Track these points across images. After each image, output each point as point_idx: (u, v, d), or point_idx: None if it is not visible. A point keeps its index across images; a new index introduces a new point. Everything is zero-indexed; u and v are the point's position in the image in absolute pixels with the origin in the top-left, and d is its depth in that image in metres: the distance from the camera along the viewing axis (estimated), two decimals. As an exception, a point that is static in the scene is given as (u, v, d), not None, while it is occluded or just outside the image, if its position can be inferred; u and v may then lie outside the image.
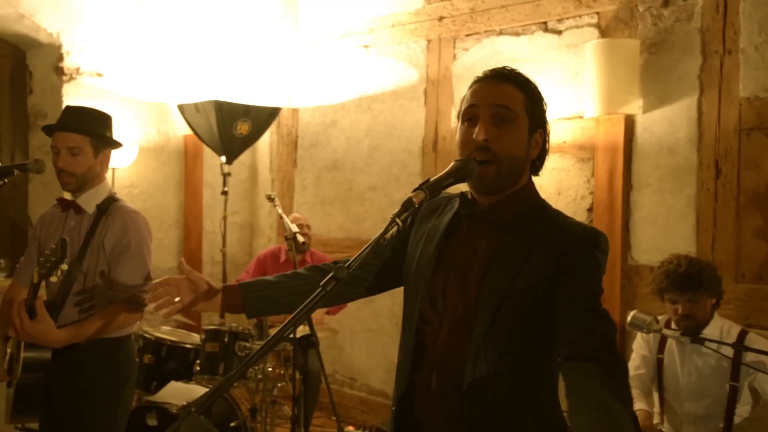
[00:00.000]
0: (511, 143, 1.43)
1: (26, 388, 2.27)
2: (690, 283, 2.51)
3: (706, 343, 2.21)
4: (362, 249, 1.25)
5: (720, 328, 2.58)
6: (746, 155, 3.17)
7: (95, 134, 2.43)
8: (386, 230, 1.28)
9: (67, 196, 2.51)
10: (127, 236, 2.39)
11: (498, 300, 1.41)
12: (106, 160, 2.50)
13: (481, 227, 1.49)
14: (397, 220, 1.28)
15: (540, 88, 1.51)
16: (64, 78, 4.47)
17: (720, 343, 2.32)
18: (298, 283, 1.65)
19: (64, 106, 2.59)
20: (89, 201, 2.45)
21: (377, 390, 4.70)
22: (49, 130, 2.45)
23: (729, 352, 2.42)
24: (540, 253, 1.41)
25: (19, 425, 3.00)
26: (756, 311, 3.10)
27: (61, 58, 4.45)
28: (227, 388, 1.22)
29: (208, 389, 3.46)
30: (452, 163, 1.42)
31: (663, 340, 2.68)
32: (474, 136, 1.43)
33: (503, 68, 1.49)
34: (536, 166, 1.53)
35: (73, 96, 4.46)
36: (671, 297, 2.56)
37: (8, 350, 2.35)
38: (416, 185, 1.35)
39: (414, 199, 1.29)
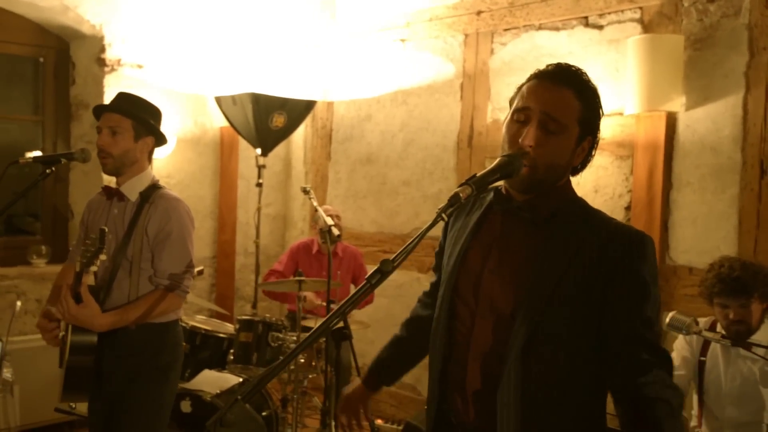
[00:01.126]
0: (555, 153, 1.41)
1: (75, 370, 2.33)
2: (744, 288, 2.45)
3: (753, 349, 2.16)
4: (406, 244, 1.25)
5: None
6: (793, 155, 3.09)
7: (137, 118, 2.47)
8: (432, 225, 1.28)
9: (111, 183, 2.57)
10: (169, 224, 2.43)
11: (543, 303, 1.38)
12: (146, 148, 2.53)
13: (515, 223, 1.47)
14: (443, 215, 1.27)
15: (599, 99, 1.47)
16: (106, 69, 4.55)
17: (763, 347, 2.26)
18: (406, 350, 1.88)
19: (106, 96, 2.63)
20: (132, 189, 2.50)
21: (407, 384, 4.71)
22: (98, 111, 2.51)
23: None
24: (586, 255, 1.38)
25: (71, 405, 3.10)
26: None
27: (103, 49, 4.53)
28: (272, 378, 1.23)
29: (241, 378, 3.54)
30: (498, 159, 1.40)
31: (706, 343, 2.62)
32: (521, 140, 1.41)
33: (567, 68, 1.44)
34: (577, 169, 1.51)
35: (114, 87, 4.52)
36: (722, 302, 2.50)
37: (61, 333, 2.42)
38: (450, 180, 1.35)
39: (461, 194, 1.28)
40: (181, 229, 2.46)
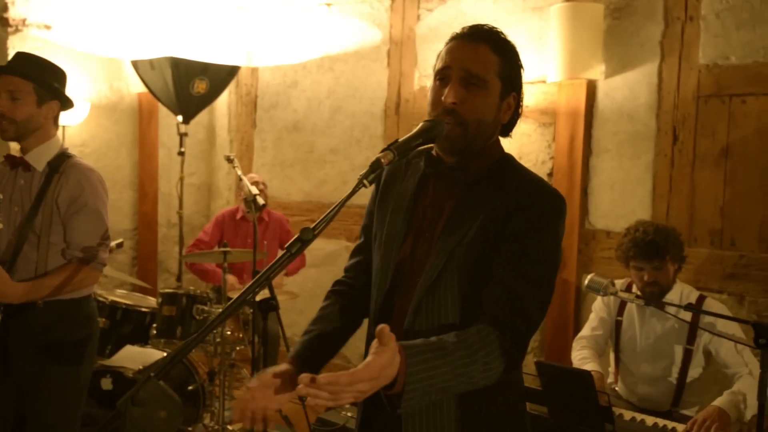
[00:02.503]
0: (480, 107, 1.40)
1: None
2: (657, 250, 2.55)
3: (666, 308, 2.27)
4: (328, 212, 1.22)
5: (680, 293, 2.65)
6: (703, 122, 3.23)
7: (40, 81, 2.30)
8: (353, 192, 1.25)
9: (15, 152, 2.39)
10: (83, 195, 2.30)
11: (446, 255, 1.38)
12: (51, 113, 2.37)
13: (448, 185, 1.47)
14: (365, 181, 1.25)
15: (518, 55, 1.46)
16: (9, 30, 4.23)
17: (675, 305, 2.38)
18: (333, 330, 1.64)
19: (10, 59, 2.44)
20: (39, 158, 2.34)
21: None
22: None
23: (687, 316, 2.49)
24: (496, 207, 1.38)
25: None
26: (706, 275, 3.20)
27: (5, 7, 4.21)
28: (187, 353, 1.19)
29: (165, 353, 3.45)
30: (421, 123, 1.38)
31: (623, 304, 2.74)
32: (443, 98, 1.40)
33: (482, 26, 1.44)
34: (507, 128, 1.51)
35: (18, 49, 4.20)
36: (637, 264, 2.60)
37: None
38: (378, 148, 1.32)
39: (382, 160, 1.26)
40: (96, 199, 2.33)
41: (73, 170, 2.33)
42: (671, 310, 2.51)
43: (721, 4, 3.16)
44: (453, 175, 1.45)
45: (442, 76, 1.42)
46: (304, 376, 1.07)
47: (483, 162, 1.45)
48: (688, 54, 3.25)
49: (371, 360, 1.10)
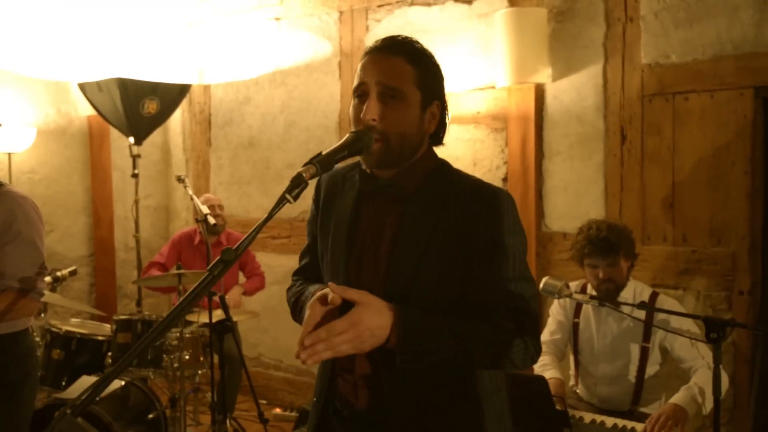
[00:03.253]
0: (400, 120, 1.38)
1: None
2: (610, 247, 2.57)
3: (621, 307, 2.27)
4: (251, 230, 1.19)
5: (634, 290, 2.66)
6: (649, 120, 3.27)
7: None
8: (276, 208, 1.22)
9: None
10: (16, 223, 2.24)
11: (408, 278, 1.37)
12: None
13: (386, 201, 1.45)
14: (288, 196, 1.22)
15: (436, 63, 1.44)
16: (-53, 56, 4.13)
17: (628, 305, 2.39)
18: None
19: None
20: None
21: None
22: None
23: (641, 314, 2.50)
24: (446, 223, 1.37)
25: None
26: (661, 271, 3.23)
27: (-59, 34, 4.10)
28: (103, 390, 1.14)
29: (123, 382, 3.36)
30: (347, 135, 1.36)
31: (579, 305, 2.74)
32: (362, 115, 1.38)
33: (394, 38, 1.42)
34: (438, 137, 1.49)
35: (-42, 76, 4.12)
36: (591, 262, 2.62)
37: None
38: None
39: (303, 174, 1.23)
40: (30, 228, 2.27)
41: (5, 198, 2.26)
42: (625, 309, 2.52)
43: (659, 4, 3.21)
44: (390, 192, 1.44)
45: (360, 92, 1.41)
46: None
47: (417, 174, 1.44)
48: (631, 54, 3.29)
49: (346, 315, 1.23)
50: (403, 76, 1.38)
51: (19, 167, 4.44)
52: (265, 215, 1.23)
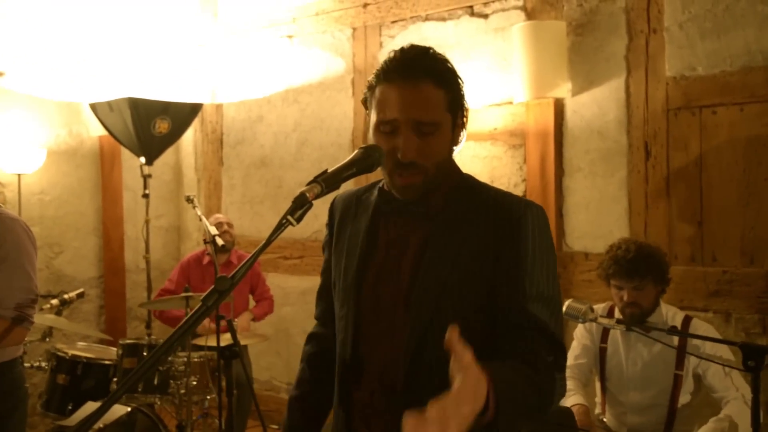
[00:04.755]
0: (438, 151, 1.30)
1: None
2: (637, 270, 2.42)
3: (651, 332, 2.12)
4: (248, 258, 1.08)
5: (665, 314, 2.51)
6: (674, 135, 3.13)
7: None
8: (276, 232, 1.11)
9: None
10: (4, 247, 2.13)
11: (434, 298, 1.27)
12: None
13: (411, 219, 1.35)
14: (290, 218, 1.11)
15: (457, 74, 1.33)
16: (-41, 77, 4.10)
17: (658, 329, 2.24)
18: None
19: None
20: None
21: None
22: None
23: (673, 340, 2.35)
24: (473, 239, 1.29)
25: None
26: (690, 293, 3.07)
27: (-47, 55, 4.08)
28: (92, 424, 1.03)
29: (129, 408, 3.25)
30: (355, 152, 1.25)
31: (606, 329, 2.59)
32: (400, 156, 1.27)
33: (415, 58, 1.28)
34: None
35: (-32, 97, 4.09)
36: (617, 283, 2.47)
37: None
38: (347, 180, 1.19)
39: (307, 194, 1.12)
40: (19, 252, 2.16)
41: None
42: (655, 334, 2.37)
43: (684, 15, 3.09)
44: (415, 210, 1.35)
45: (389, 128, 1.28)
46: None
47: (443, 190, 1.35)
48: (655, 67, 3.17)
49: (460, 381, 0.97)
50: (436, 107, 1.28)
51: (30, 188, 4.39)
52: (279, 235, 1.12)
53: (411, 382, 1.28)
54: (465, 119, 1.37)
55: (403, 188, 1.31)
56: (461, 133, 1.39)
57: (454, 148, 1.39)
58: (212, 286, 1.06)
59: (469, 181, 1.40)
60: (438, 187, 1.34)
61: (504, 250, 1.28)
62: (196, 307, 1.07)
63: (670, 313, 2.51)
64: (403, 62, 1.28)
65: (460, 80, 1.34)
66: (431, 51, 1.32)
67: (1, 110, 4.19)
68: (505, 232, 1.28)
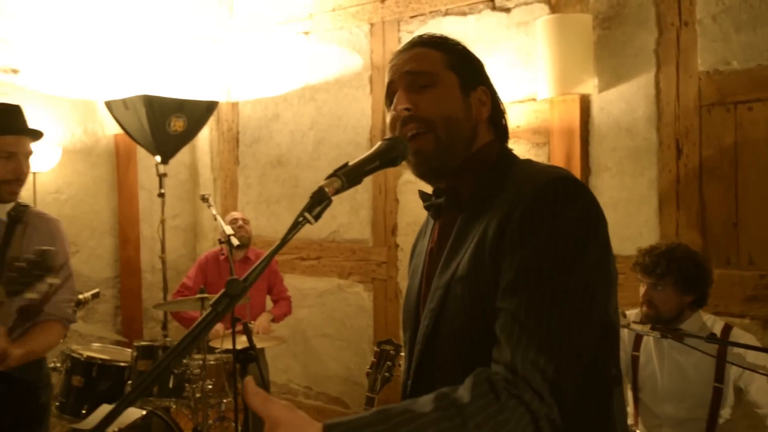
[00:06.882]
0: (438, 102, 1.16)
1: None
2: (656, 266, 2.28)
3: (686, 340, 2.00)
4: (259, 261, 0.98)
5: (701, 324, 2.36)
6: (708, 133, 2.99)
7: (37, 135, 2.22)
8: (293, 230, 1.01)
9: None
10: (55, 247, 2.13)
11: (439, 298, 1.14)
12: None
13: (449, 218, 1.20)
14: (307, 215, 1.00)
15: (468, 50, 1.25)
16: (-26, 75, 4.07)
17: (695, 336, 2.11)
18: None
19: None
20: (2, 208, 2.16)
21: (334, 398, 4.44)
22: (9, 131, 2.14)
23: (711, 349, 2.21)
24: (486, 232, 1.08)
25: None
26: (725, 298, 2.93)
27: (-31, 54, 4.05)
28: (106, 428, 0.94)
29: (143, 411, 3.18)
30: (379, 143, 1.14)
31: (639, 337, 2.45)
32: (392, 107, 1.19)
33: (417, 36, 1.25)
34: (499, 128, 1.25)
35: (-16, 95, 4.06)
36: (639, 277, 2.36)
37: None
38: (365, 179, 1.09)
39: (326, 189, 1.01)
40: (67, 252, 2.21)
41: (40, 221, 2.19)
42: (693, 342, 2.23)
43: (718, 6, 2.96)
44: (448, 203, 1.20)
45: (390, 95, 1.22)
46: None
47: (474, 173, 1.18)
48: (686, 61, 3.03)
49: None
50: (429, 59, 1.19)
51: (45, 187, 4.35)
52: (295, 235, 1.02)
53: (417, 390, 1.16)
54: (496, 99, 1.25)
55: (416, 155, 1.15)
56: (494, 116, 1.23)
57: (500, 134, 1.24)
58: (222, 290, 0.97)
59: (506, 159, 1.20)
60: (467, 169, 1.18)
61: (505, 242, 1.04)
62: (206, 313, 0.98)
63: (709, 322, 2.37)
64: (408, 42, 1.26)
65: (469, 53, 1.25)
66: (439, 34, 1.25)
67: (16, 108, 4.15)
68: (511, 218, 1.04)
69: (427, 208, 1.26)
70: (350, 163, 1.07)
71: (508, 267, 1.02)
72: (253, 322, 3.78)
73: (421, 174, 1.21)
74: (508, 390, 0.93)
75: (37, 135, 2.22)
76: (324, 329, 4.48)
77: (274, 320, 3.94)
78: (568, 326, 0.98)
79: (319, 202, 1.01)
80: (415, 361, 1.18)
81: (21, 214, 2.16)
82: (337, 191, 1.03)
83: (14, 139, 2.12)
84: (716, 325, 2.34)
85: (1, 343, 1.84)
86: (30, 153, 2.18)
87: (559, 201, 1.03)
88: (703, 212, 3.00)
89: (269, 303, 4.12)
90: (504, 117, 1.27)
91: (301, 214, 1.00)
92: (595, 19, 3.28)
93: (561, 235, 1.01)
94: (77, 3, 4.43)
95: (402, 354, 1.96)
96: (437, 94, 1.17)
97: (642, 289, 2.36)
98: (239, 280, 0.96)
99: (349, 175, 1.04)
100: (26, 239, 2.12)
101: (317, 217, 1.01)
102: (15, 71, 4.21)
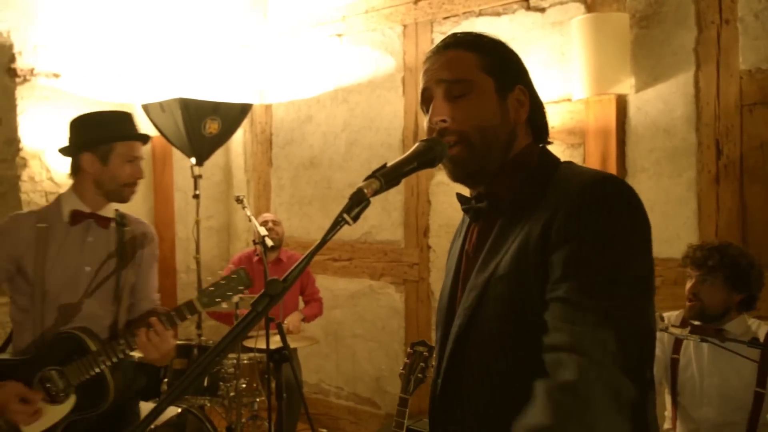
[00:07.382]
0: (474, 112, 1.16)
1: None
2: (708, 258, 2.27)
3: (727, 343, 1.95)
4: (298, 262, 0.99)
5: (745, 327, 2.31)
6: (749, 132, 2.92)
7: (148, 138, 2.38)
8: (332, 231, 1.02)
9: (87, 207, 2.22)
10: (153, 245, 2.36)
11: (475, 297, 1.13)
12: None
13: (488, 221, 1.20)
14: (346, 216, 1.01)
15: (504, 45, 1.24)
16: (17, 80, 4.17)
17: (737, 341, 2.06)
18: None
19: (19, 110, 2.35)
20: (109, 212, 2.28)
21: (365, 398, 4.44)
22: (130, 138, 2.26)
23: (754, 354, 2.16)
24: (530, 226, 1.08)
25: None
26: (767, 302, 2.85)
27: (13, 58, 4.15)
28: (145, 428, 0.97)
29: (179, 410, 3.23)
30: (416, 144, 1.15)
31: (679, 340, 2.41)
32: (428, 118, 1.19)
33: (451, 36, 1.23)
34: (538, 128, 1.23)
35: (27, 99, 4.16)
36: (689, 271, 2.35)
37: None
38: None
39: (365, 190, 1.02)
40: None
41: (137, 223, 2.35)
42: (734, 346, 2.18)
43: (760, 3, 2.88)
44: (488, 208, 1.20)
45: (426, 101, 1.21)
46: None
47: (515, 177, 1.17)
48: (727, 60, 2.97)
49: None
50: (464, 65, 1.17)
51: (84, 188, 4.45)
52: (331, 237, 1.03)
53: (445, 392, 1.18)
54: (535, 98, 1.23)
55: (452, 162, 1.16)
56: (534, 115, 1.22)
57: (537, 135, 1.23)
58: (263, 290, 0.98)
59: (549, 162, 1.19)
60: (507, 172, 1.17)
61: (550, 244, 1.04)
62: (246, 313, 1.00)
63: (754, 326, 2.32)
64: (438, 43, 1.24)
65: (507, 50, 1.23)
66: (471, 32, 1.24)
67: (56, 111, 4.25)
68: (555, 218, 1.05)
69: (465, 210, 1.26)
70: (388, 164, 1.08)
71: (557, 262, 1.03)
72: (285, 321, 3.81)
73: (458, 178, 1.21)
74: (580, 378, 0.92)
75: (148, 139, 2.36)
76: (356, 330, 4.50)
77: (304, 320, 3.97)
78: (623, 306, 0.99)
79: (357, 203, 1.02)
80: (447, 360, 1.18)
81: (124, 218, 2.31)
82: (376, 192, 1.03)
83: (138, 144, 2.28)
84: (761, 329, 2.29)
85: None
86: (143, 156, 2.33)
87: (609, 199, 1.06)
88: (744, 214, 2.93)
89: (301, 304, 4.15)
90: (543, 115, 1.26)
91: (340, 215, 1.01)
92: (632, 18, 3.22)
93: (611, 230, 1.03)
94: (116, 9, 4.52)
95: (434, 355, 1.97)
96: (473, 103, 1.16)
97: (689, 284, 2.33)
98: (279, 280, 0.98)
99: (387, 176, 1.05)
100: (138, 241, 2.29)
101: (356, 218, 1.02)
102: (56, 75, 4.32)
